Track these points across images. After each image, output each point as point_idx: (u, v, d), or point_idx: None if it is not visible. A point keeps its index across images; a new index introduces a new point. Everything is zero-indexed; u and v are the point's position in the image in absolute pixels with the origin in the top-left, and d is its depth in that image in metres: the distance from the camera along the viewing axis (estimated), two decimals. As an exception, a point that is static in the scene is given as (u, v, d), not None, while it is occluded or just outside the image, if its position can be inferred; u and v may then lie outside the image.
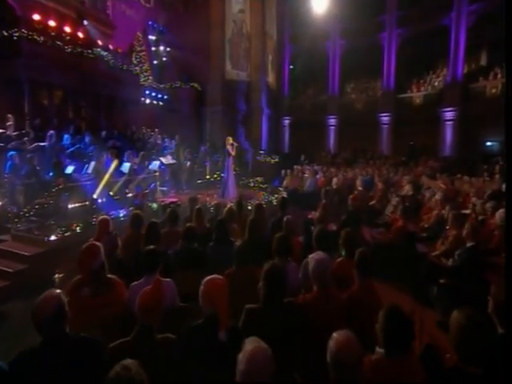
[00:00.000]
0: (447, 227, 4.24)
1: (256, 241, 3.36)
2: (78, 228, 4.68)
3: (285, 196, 4.22)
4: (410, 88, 14.85)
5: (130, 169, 6.82)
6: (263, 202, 7.05)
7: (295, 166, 11.13)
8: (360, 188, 7.91)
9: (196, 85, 13.56)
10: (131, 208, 5.35)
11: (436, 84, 14.22)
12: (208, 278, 1.84)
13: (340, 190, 8.52)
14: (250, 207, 6.56)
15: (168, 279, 2.33)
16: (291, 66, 17.50)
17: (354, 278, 2.34)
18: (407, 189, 7.38)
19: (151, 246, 2.49)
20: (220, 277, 1.88)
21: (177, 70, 13.64)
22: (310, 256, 2.27)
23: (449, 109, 12.94)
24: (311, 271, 2.19)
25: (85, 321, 1.84)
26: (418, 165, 11.86)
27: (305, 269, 2.39)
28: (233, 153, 7.75)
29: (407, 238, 4.17)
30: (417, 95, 14.44)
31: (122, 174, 6.62)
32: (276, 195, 7.91)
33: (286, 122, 17.49)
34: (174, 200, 6.88)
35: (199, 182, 9.33)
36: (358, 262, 2.32)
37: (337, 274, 2.45)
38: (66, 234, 4.51)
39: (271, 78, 16.02)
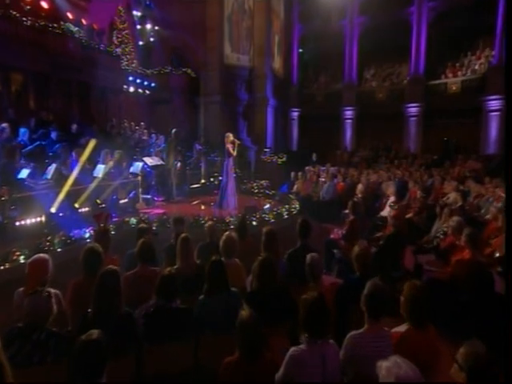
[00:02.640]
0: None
1: (268, 293, 2.51)
2: (21, 257, 3.76)
3: (306, 220, 3.31)
4: (444, 73, 14.16)
5: (105, 172, 6.26)
6: (272, 219, 6.22)
7: (307, 168, 10.58)
8: (392, 197, 6.98)
9: (189, 71, 13.14)
10: (88, 236, 4.45)
11: (477, 67, 13.40)
12: None
13: (365, 198, 7.63)
14: (254, 222, 5.83)
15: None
16: (300, 50, 17.15)
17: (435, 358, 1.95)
18: (454, 198, 6.44)
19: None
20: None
21: (166, 52, 13.15)
22: (385, 365, 1.38)
23: (493, 97, 12.03)
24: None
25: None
26: (455, 165, 11.03)
27: (348, 350, 1.98)
28: (234, 153, 7.08)
29: (481, 277, 3.23)
30: (453, 81, 13.74)
31: (95, 179, 6.05)
32: (287, 206, 7.16)
33: (295, 114, 17.17)
34: (161, 212, 6.37)
35: (193, 187, 8.93)
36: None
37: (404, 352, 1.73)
38: (1, 268, 3.59)
39: (277, 64, 15.62)
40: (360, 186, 7.57)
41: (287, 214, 6.81)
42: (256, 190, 9.46)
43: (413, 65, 14.30)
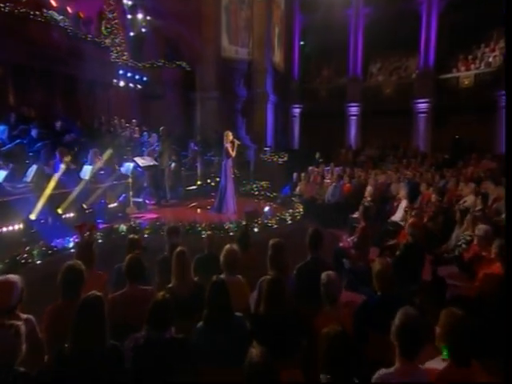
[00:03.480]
0: None
1: (278, 318, 2.31)
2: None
3: (318, 230, 3.09)
4: (456, 66, 13.96)
5: (93, 174, 6.06)
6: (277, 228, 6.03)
7: (310, 168, 10.41)
8: (404, 200, 6.78)
9: (184, 64, 13.03)
10: (72, 246, 4.21)
11: (491, 60, 13.23)
12: None
13: (375, 201, 7.47)
14: (256, 229, 5.72)
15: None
16: (302, 42, 17.01)
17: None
18: (472, 201, 6.21)
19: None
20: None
21: (159, 44, 13.06)
22: None
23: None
24: None
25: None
26: (469, 165, 10.81)
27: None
28: (233, 153, 6.91)
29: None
30: (465, 75, 13.56)
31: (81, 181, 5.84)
32: (291, 210, 6.95)
33: (297, 111, 17.06)
34: (154, 217, 6.31)
35: (188, 189, 8.84)
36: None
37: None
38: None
39: (278, 57, 15.52)
40: (369, 189, 7.37)
41: (291, 219, 6.59)
42: (256, 192, 9.31)
43: (422, 58, 14.15)
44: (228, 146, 6.87)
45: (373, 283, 2.71)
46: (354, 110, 15.66)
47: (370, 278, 4.78)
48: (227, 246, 2.95)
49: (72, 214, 5.43)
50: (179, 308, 2.35)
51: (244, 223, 5.68)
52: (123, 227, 5.40)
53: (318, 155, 13.19)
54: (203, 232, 5.36)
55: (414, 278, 3.97)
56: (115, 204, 6.44)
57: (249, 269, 3.33)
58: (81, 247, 3.04)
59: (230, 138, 6.92)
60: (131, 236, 3.32)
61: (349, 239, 5.38)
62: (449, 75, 14.00)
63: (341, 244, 5.25)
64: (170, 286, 2.78)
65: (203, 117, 12.98)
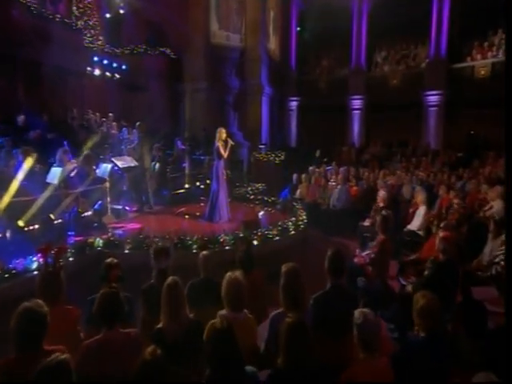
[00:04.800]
0: None
1: (301, 373, 1.97)
2: None
3: (339, 251, 2.77)
4: (471, 54, 13.93)
5: (63, 177, 5.75)
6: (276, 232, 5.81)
7: (311, 168, 10.24)
8: (422, 206, 6.53)
9: (169, 51, 12.94)
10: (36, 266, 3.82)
11: None
12: None
13: (388, 207, 7.19)
14: (255, 241, 5.46)
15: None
16: (299, 28, 16.99)
17: None
18: (501, 207, 5.94)
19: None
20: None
21: (140, 28, 12.81)
22: None
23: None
24: None
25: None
26: (486, 164, 10.76)
27: None
28: (225, 154, 6.69)
29: None
30: (481, 64, 13.47)
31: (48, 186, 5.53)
32: (293, 218, 6.71)
33: (293, 104, 17.05)
34: (136, 227, 6.15)
35: (175, 193, 8.62)
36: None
37: None
38: None
39: (273, 44, 15.76)
40: (382, 193, 7.08)
41: (294, 229, 6.31)
42: (252, 196, 9.13)
43: (433, 45, 14.13)
44: (219, 145, 6.65)
45: (414, 321, 2.38)
46: (356, 103, 15.62)
47: (389, 300, 4.54)
48: (229, 276, 2.60)
49: (36, 227, 5.07)
50: (170, 354, 2.02)
51: (241, 234, 5.40)
52: (99, 241, 5.11)
53: (318, 153, 13.17)
54: (194, 246, 5.10)
55: (448, 305, 3.67)
56: (90, 213, 6.14)
57: (254, 296, 3.00)
58: (44, 278, 2.61)
59: (223, 136, 6.69)
60: (108, 261, 2.91)
61: (363, 254, 5.13)
62: (463, 64, 14.01)
63: (355, 260, 4.92)
64: (159, 326, 2.42)
65: (191, 111, 12.96)
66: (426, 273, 3.95)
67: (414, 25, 14.16)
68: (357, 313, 2.20)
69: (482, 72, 13.38)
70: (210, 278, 3.25)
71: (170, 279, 2.50)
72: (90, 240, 5.05)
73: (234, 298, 2.55)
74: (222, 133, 6.66)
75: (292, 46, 16.71)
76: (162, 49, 12.70)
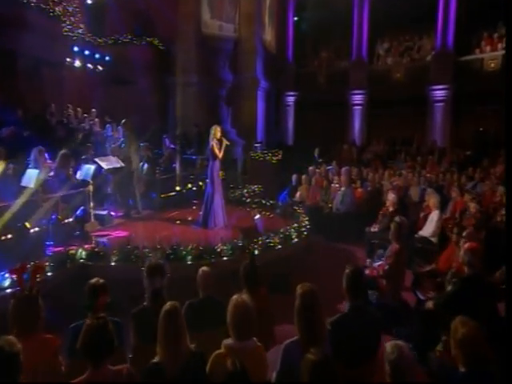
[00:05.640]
0: None
1: None
2: None
3: (358, 269, 2.63)
4: (479, 46, 13.94)
5: (40, 181, 5.62)
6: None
7: (311, 168, 10.23)
8: (435, 210, 6.47)
9: (156, 41, 12.87)
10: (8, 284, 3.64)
11: None
12: None
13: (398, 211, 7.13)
14: (256, 251, 5.36)
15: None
16: (297, 18, 17.05)
17: None
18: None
19: None
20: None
21: (125, 16, 12.65)
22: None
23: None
24: None
25: None
26: (496, 163, 10.74)
27: None
28: (220, 154, 6.66)
29: None
30: (490, 56, 13.44)
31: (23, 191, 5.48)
32: (295, 224, 6.61)
33: (290, 99, 17.04)
34: (122, 235, 6.15)
35: (165, 196, 8.52)
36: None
37: None
38: None
39: (269, 35, 15.74)
40: (392, 196, 6.99)
41: (296, 236, 6.22)
42: (248, 199, 9.08)
43: (439, 36, 14.12)
44: (214, 144, 6.57)
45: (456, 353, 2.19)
46: (358, 98, 15.61)
47: (405, 316, 4.37)
48: (236, 300, 2.40)
49: (9, 237, 4.84)
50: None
51: (241, 243, 5.32)
52: (82, 252, 4.97)
53: (316, 152, 13.14)
54: (189, 257, 4.98)
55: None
56: (71, 220, 6.00)
57: (260, 319, 2.79)
58: (19, 304, 2.36)
59: (218, 135, 6.64)
60: (92, 282, 2.65)
61: (375, 264, 5.02)
62: (471, 57, 14.03)
63: (367, 271, 4.77)
64: (155, 360, 2.21)
65: (181, 106, 12.81)
66: (449, 288, 3.80)
67: (419, 14, 14.22)
68: (389, 347, 1.99)
69: (492, 65, 13.40)
70: (211, 298, 3.08)
71: (168, 305, 2.29)
72: (72, 251, 4.95)
73: (242, 326, 2.36)
74: (217, 131, 6.60)
75: (289, 37, 16.71)
76: (148, 39, 12.68)
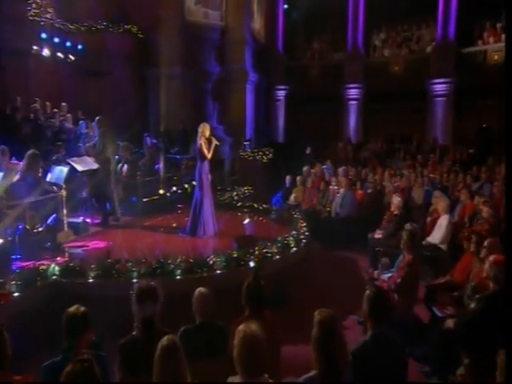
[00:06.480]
0: None
1: None
2: None
3: (380, 291, 2.52)
4: (482, 37, 14.06)
5: (4, 185, 5.68)
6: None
7: (305, 168, 10.18)
8: (445, 215, 6.44)
9: (135, 29, 12.76)
10: None
11: None
12: None
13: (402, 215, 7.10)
14: (251, 262, 5.24)
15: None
16: (287, 6, 17.15)
17: None
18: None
19: None
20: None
21: (100, 0, 12.63)
22: None
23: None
24: None
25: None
26: (501, 161, 10.83)
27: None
28: (209, 154, 6.57)
29: None
30: (494, 48, 13.55)
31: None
32: (294, 232, 6.48)
33: (281, 93, 17.11)
34: (100, 246, 6.09)
35: (147, 200, 8.39)
36: None
37: None
38: None
39: (258, 24, 15.75)
40: (398, 200, 6.95)
41: (295, 245, 6.09)
42: (239, 203, 9.05)
43: (440, 26, 14.21)
44: (202, 143, 6.46)
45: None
46: (353, 92, 15.67)
47: (419, 334, 4.23)
48: (244, 331, 2.17)
49: None
50: None
51: (235, 255, 5.15)
52: (55, 267, 4.73)
53: (308, 151, 13.22)
54: (177, 271, 4.81)
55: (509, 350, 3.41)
56: (41, 229, 5.78)
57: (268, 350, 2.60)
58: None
59: (207, 133, 6.54)
60: (71, 312, 2.38)
61: (384, 276, 4.92)
62: (474, 48, 14.14)
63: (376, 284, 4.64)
64: None
65: (163, 101, 12.77)
66: (472, 306, 3.67)
67: (418, 2, 14.28)
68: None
69: (496, 57, 13.50)
70: (210, 323, 2.89)
71: (166, 340, 2.08)
72: (42, 266, 4.71)
73: (252, 361, 2.13)
74: (206, 129, 6.51)
75: (279, 26, 16.73)
76: (127, 26, 12.62)
